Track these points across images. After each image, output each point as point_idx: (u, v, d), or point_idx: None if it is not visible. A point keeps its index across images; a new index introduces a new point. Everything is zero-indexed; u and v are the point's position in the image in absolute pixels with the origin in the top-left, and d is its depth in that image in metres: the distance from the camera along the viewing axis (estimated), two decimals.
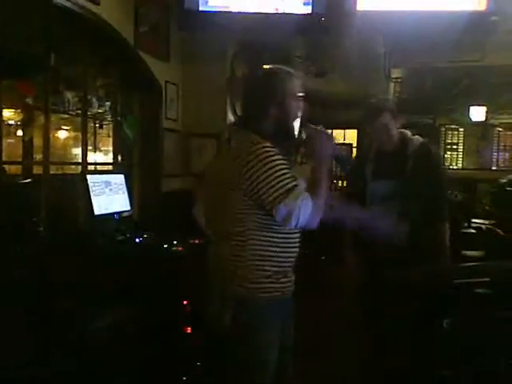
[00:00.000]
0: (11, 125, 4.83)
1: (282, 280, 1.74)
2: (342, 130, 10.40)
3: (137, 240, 3.27)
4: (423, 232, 2.66)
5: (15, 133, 4.92)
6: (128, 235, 3.32)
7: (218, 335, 1.75)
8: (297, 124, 1.85)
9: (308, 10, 4.25)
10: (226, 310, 1.71)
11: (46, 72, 3.43)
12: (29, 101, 3.63)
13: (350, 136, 10.21)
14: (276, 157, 1.64)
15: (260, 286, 1.69)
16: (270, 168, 1.61)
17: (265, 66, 1.89)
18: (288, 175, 1.64)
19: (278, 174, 1.61)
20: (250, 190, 1.63)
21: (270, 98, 1.79)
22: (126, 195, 3.60)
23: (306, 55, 6.34)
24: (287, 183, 1.61)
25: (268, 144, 1.67)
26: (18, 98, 3.73)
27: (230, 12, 4.34)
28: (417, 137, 2.82)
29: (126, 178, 3.69)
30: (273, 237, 1.69)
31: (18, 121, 4.59)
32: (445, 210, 2.76)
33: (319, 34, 5.03)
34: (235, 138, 1.81)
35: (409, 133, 2.83)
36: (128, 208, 3.62)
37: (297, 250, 1.80)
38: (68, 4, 3.10)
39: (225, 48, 4.90)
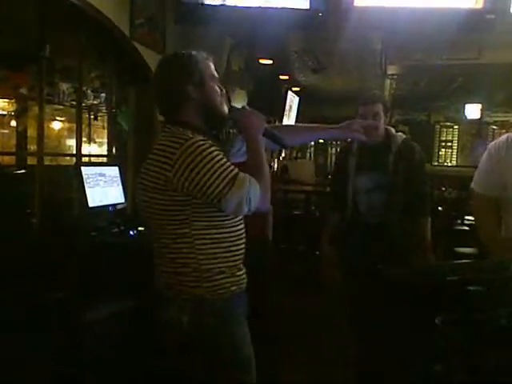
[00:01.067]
0: (5, 115, 4.81)
1: (237, 273, 1.69)
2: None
3: (131, 233, 3.27)
4: (405, 226, 2.72)
5: (9, 123, 4.89)
6: (122, 228, 3.31)
7: (175, 343, 1.68)
8: (224, 107, 1.74)
9: (306, 5, 4.24)
10: (182, 316, 1.64)
11: (41, 63, 3.41)
12: (23, 91, 3.61)
13: None
14: (211, 149, 1.55)
15: (216, 283, 1.63)
16: (208, 162, 1.52)
17: (178, 52, 1.75)
18: (227, 164, 1.56)
19: (218, 165, 1.53)
20: (191, 190, 1.54)
21: (187, 80, 1.67)
22: (120, 187, 3.59)
23: (304, 50, 6.34)
24: (229, 173, 1.54)
25: (199, 138, 1.58)
26: (12, 88, 3.71)
27: (227, 6, 4.32)
28: (400, 133, 2.89)
29: (120, 170, 3.68)
30: (219, 233, 1.62)
31: (12, 111, 4.57)
32: (426, 205, 2.81)
33: (317, 29, 5.03)
34: (162, 133, 1.69)
35: (393, 129, 2.89)
36: (122, 200, 3.61)
37: (244, 241, 1.73)
38: None
39: (221, 41, 4.88)
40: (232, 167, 1.57)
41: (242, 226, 1.73)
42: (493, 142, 2.55)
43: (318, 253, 3.13)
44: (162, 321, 1.70)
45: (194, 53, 1.73)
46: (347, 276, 2.85)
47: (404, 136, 2.89)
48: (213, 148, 1.57)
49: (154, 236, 1.72)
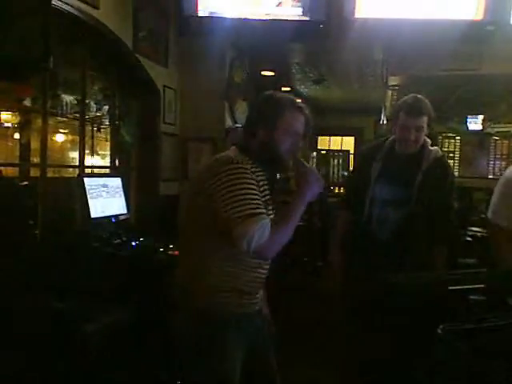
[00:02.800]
0: (8, 127, 4.83)
1: (246, 297, 1.71)
2: (340, 137, 10.44)
3: (133, 243, 3.27)
4: (416, 248, 2.52)
5: (12, 135, 4.92)
6: (124, 239, 3.32)
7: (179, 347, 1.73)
8: (288, 157, 1.79)
9: (307, 16, 4.27)
10: (185, 323, 1.69)
11: (44, 75, 3.44)
12: (26, 103, 3.63)
13: (348, 143, 10.24)
14: (250, 180, 1.63)
15: (220, 300, 1.67)
16: (242, 189, 1.59)
17: (280, 94, 1.85)
18: (255, 201, 1.60)
19: (248, 197, 1.59)
20: (215, 204, 1.61)
21: (259, 121, 1.77)
22: (122, 198, 3.60)
23: (305, 62, 6.37)
24: (253, 208, 1.58)
25: (245, 165, 1.65)
26: (15, 100, 3.73)
27: (229, 18, 4.36)
28: (436, 148, 2.64)
29: (123, 181, 3.69)
30: (239, 254, 1.64)
31: (16, 123, 4.59)
32: (447, 233, 2.57)
33: (318, 40, 5.06)
34: (227, 151, 1.80)
35: (429, 141, 2.62)
36: (125, 211, 3.63)
37: (265, 272, 1.77)
38: (67, 8, 3.11)
39: (223, 54, 4.92)
40: (258, 205, 1.59)
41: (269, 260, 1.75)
42: (509, 170, 2.40)
43: (320, 264, 3.07)
44: (170, 324, 1.75)
45: (283, 99, 1.78)
46: (350, 286, 2.70)
47: (440, 152, 2.63)
48: (250, 180, 1.63)
49: (182, 239, 1.81)
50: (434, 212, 2.51)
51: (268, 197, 1.73)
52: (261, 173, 1.73)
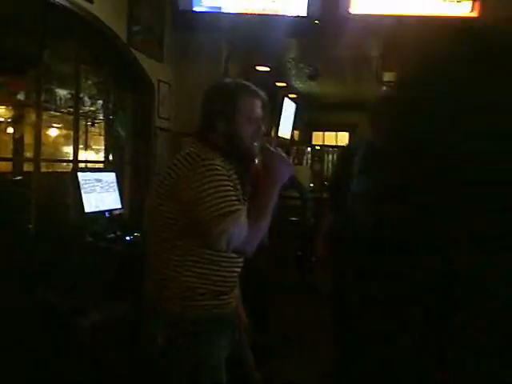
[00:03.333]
0: (2, 122, 4.80)
1: (222, 297, 1.66)
2: (335, 132, 10.45)
3: (127, 238, 3.27)
4: None
5: (6, 130, 4.89)
6: (118, 233, 3.31)
7: (152, 356, 1.68)
8: (256, 143, 1.73)
9: (303, 12, 4.27)
10: (159, 330, 1.62)
11: (38, 68, 3.42)
12: (20, 97, 3.61)
13: (342, 139, 10.24)
14: (223, 177, 1.57)
15: (197, 303, 1.61)
16: (216, 186, 1.54)
17: (231, 81, 1.79)
18: (231, 197, 1.56)
19: (222, 194, 1.54)
20: (188, 205, 1.55)
21: (216, 112, 1.70)
22: (117, 193, 3.59)
23: (300, 57, 6.37)
24: (229, 205, 1.53)
25: (216, 162, 1.59)
26: (8, 94, 3.71)
27: (224, 13, 4.35)
28: None
29: (117, 176, 3.68)
30: (211, 254, 1.61)
31: (9, 118, 4.57)
32: None
33: (313, 36, 5.05)
34: (188, 146, 1.71)
35: None
36: (119, 206, 3.62)
37: (238, 270, 1.72)
38: (61, 1, 3.09)
39: (218, 48, 4.90)
40: (234, 202, 1.56)
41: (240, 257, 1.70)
42: None
43: (313, 259, 3.10)
44: (142, 333, 1.72)
45: (236, 86, 1.73)
46: (335, 281, 2.81)
47: None
48: (223, 177, 1.58)
49: (150, 244, 1.71)
50: None
51: (240, 191, 1.68)
52: (231, 166, 1.66)
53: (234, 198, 1.58)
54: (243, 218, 1.55)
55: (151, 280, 1.70)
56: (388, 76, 6.76)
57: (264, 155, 1.73)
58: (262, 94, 1.77)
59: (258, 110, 1.73)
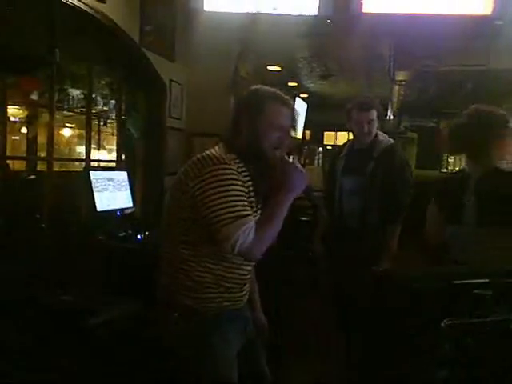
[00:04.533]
0: (16, 121, 4.86)
1: (233, 291, 1.69)
2: (347, 133, 10.41)
3: (138, 237, 3.28)
4: (374, 231, 2.78)
5: (20, 129, 4.94)
6: (130, 232, 3.33)
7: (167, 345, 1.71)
8: (276, 152, 1.72)
9: (314, 11, 4.26)
10: (171, 323, 1.66)
11: (51, 69, 3.45)
12: (33, 97, 3.65)
13: None
14: (236, 181, 1.58)
15: (208, 296, 1.64)
16: (227, 190, 1.55)
17: (263, 87, 1.77)
18: (241, 202, 1.57)
19: (233, 198, 1.56)
20: (199, 205, 1.57)
21: (243, 116, 1.72)
22: (128, 192, 3.61)
23: (312, 57, 6.36)
24: (238, 210, 1.55)
25: (231, 166, 1.60)
26: (22, 94, 3.75)
27: (236, 12, 4.35)
28: (388, 139, 2.93)
29: (129, 175, 3.70)
30: (218, 252, 1.62)
31: (23, 118, 4.62)
32: (399, 213, 2.84)
33: (325, 35, 5.04)
34: (211, 149, 1.72)
35: (382, 134, 2.93)
36: (130, 205, 3.63)
37: (250, 268, 1.74)
38: (74, 1, 3.12)
39: (229, 48, 4.91)
40: (243, 207, 1.57)
41: None
42: None
43: (310, 254, 3.29)
44: (156, 326, 1.72)
45: (266, 92, 1.74)
46: (334, 276, 2.97)
47: (391, 141, 2.93)
48: (237, 182, 1.59)
49: (164, 239, 1.75)
50: (385, 194, 2.78)
51: (254, 197, 1.68)
52: (247, 172, 1.67)
53: (244, 203, 1.59)
54: (251, 224, 1.56)
55: (164, 273, 1.73)
56: (401, 75, 6.73)
57: (281, 165, 1.73)
58: (292, 104, 1.79)
59: (284, 119, 1.73)
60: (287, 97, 1.77)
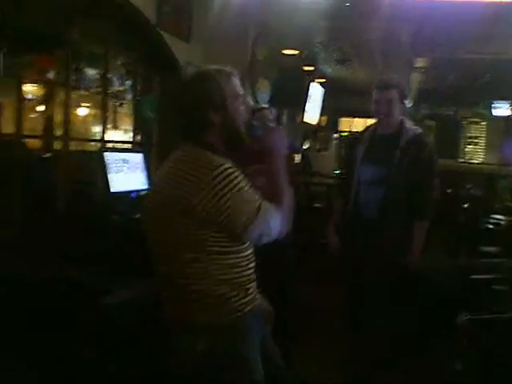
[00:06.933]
0: (32, 99, 4.86)
1: (249, 290, 1.65)
2: (363, 119, 10.31)
3: None
4: (397, 225, 2.62)
5: (36, 108, 4.95)
6: None
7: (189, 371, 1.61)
8: (243, 126, 1.66)
9: None
10: (196, 343, 1.57)
11: (68, 47, 3.44)
12: (50, 76, 3.64)
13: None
14: (239, 178, 1.52)
15: (229, 307, 1.59)
16: (237, 192, 1.49)
17: (201, 70, 1.66)
18: (251, 194, 1.54)
19: (244, 195, 1.51)
20: (217, 217, 1.49)
21: (208, 105, 1.59)
22: (143, 174, 3.61)
23: (329, 41, 6.27)
24: (253, 203, 1.52)
25: (227, 164, 1.52)
26: (39, 72, 3.74)
27: None
28: (416, 127, 2.75)
29: (144, 156, 3.69)
30: (231, 258, 1.58)
31: (40, 96, 4.62)
32: (427, 208, 2.66)
33: (343, 20, 4.96)
34: (183, 153, 1.61)
35: (408, 121, 2.74)
36: (145, 187, 3.64)
37: (254, 264, 1.70)
38: None
39: (246, 31, 4.86)
40: (256, 196, 1.55)
41: (252, 249, 1.69)
42: None
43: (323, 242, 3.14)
44: (174, 349, 1.64)
45: (213, 72, 1.63)
46: (347, 267, 2.86)
47: (419, 130, 2.74)
48: (240, 177, 1.53)
49: (159, 262, 1.64)
50: (412, 187, 2.61)
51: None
52: (240, 173, 1.57)
53: (253, 193, 1.56)
54: (270, 208, 1.55)
55: (171, 300, 1.65)
56: (420, 62, 6.63)
57: (255, 133, 1.69)
58: (232, 70, 1.69)
59: (239, 89, 1.67)
60: (226, 68, 1.67)
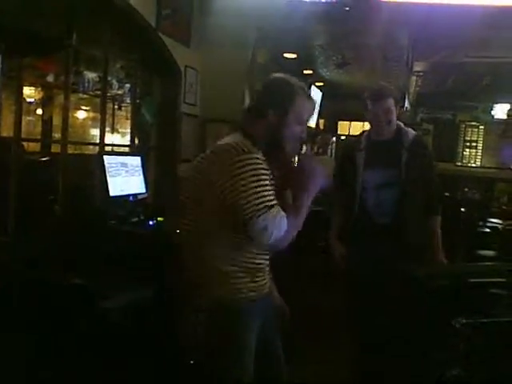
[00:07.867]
0: (31, 103, 4.87)
1: (258, 276, 1.71)
2: (361, 123, 10.33)
3: (150, 223, 3.29)
4: (416, 226, 2.66)
5: (35, 111, 4.96)
6: (142, 217, 3.33)
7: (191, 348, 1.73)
8: (296, 145, 1.77)
9: None
10: (199, 321, 1.69)
11: (67, 51, 3.45)
12: (49, 79, 3.65)
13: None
14: (264, 171, 1.60)
15: (235, 286, 1.66)
16: (258, 180, 1.57)
17: (292, 78, 1.78)
18: (271, 192, 1.60)
19: (263, 188, 1.57)
20: (229, 197, 1.58)
21: (271, 103, 1.72)
22: (141, 178, 3.61)
23: (328, 45, 6.27)
24: (269, 200, 1.58)
25: (258, 156, 1.62)
26: (38, 76, 3.76)
27: None
28: (410, 129, 2.81)
29: (142, 160, 3.70)
30: (246, 243, 1.65)
31: (38, 99, 4.63)
32: (437, 203, 2.77)
33: (343, 23, 4.97)
34: (229, 137, 1.72)
35: (402, 124, 2.80)
36: (143, 191, 3.64)
37: (268, 256, 1.77)
38: None
39: (246, 34, 4.86)
40: (272, 197, 1.60)
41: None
42: None
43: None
44: (180, 318, 1.77)
45: (297, 85, 1.75)
46: (352, 275, 2.78)
47: (415, 132, 2.81)
48: (265, 171, 1.60)
49: (186, 233, 1.75)
50: (422, 187, 2.67)
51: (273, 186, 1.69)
52: (266, 169, 1.66)
53: (271, 192, 1.61)
54: (282, 213, 1.59)
55: (189, 266, 1.74)
56: (418, 66, 6.63)
57: (303, 160, 1.78)
58: (314, 101, 1.82)
59: (307, 115, 1.78)
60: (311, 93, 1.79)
